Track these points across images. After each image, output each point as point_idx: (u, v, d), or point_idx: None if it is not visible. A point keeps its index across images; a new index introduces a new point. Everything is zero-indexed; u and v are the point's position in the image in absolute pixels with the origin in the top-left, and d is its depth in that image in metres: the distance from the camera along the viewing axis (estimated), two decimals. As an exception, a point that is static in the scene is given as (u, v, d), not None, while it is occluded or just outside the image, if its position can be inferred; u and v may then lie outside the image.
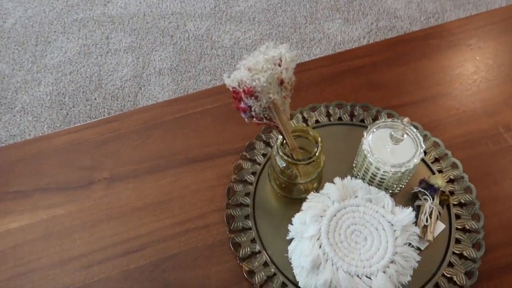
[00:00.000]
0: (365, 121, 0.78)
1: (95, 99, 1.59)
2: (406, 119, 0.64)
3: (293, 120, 0.78)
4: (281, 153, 0.60)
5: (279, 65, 0.53)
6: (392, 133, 0.61)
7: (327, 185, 0.64)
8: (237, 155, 0.75)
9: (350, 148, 0.74)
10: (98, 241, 0.67)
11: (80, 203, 0.71)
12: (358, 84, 0.83)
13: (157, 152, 0.76)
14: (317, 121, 0.78)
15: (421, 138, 0.63)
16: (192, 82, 1.61)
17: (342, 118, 0.78)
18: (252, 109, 0.53)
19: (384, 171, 0.62)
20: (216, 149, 0.76)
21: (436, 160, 0.73)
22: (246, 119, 0.55)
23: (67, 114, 1.55)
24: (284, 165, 0.62)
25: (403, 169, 0.61)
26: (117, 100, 1.58)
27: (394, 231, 0.60)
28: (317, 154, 0.60)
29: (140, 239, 0.67)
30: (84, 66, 1.68)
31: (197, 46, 1.70)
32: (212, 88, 0.86)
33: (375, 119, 0.78)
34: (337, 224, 0.61)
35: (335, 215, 0.61)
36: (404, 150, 0.63)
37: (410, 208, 0.61)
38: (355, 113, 0.79)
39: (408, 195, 0.69)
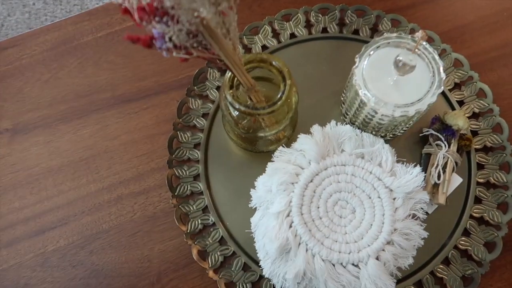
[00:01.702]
0: (360, 33, 0.55)
1: (34, 4, 1.30)
2: (419, 33, 0.42)
3: (260, 35, 0.56)
4: (230, 99, 0.40)
5: (207, -45, 0.30)
6: (400, 57, 0.40)
7: (302, 137, 0.45)
8: (182, 90, 0.54)
9: (338, 74, 0.53)
10: (3, 218, 0.51)
11: (-25, 166, 0.53)
12: (352, -25, 0.59)
13: (74, 89, 0.56)
14: (292, 35, 0.56)
15: (440, 63, 0.42)
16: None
17: (328, 28, 0.56)
18: (167, 37, 0.32)
19: (383, 115, 0.43)
20: (154, 82, 0.55)
21: (457, 86, 0.53)
22: (163, 54, 0.34)
23: (2, 25, 1.28)
24: (238, 113, 0.43)
25: (411, 112, 0.42)
26: (60, 5, 1.29)
27: (394, 199, 0.43)
28: (283, 97, 0.40)
29: (57, 212, 0.51)
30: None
31: None
32: (147, -9, 0.61)
33: (374, 28, 0.55)
34: (314, 193, 0.43)
35: (311, 181, 0.44)
36: (414, 82, 0.43)
37: (418, 168, 0.43)
38: (346, 21, 0.56)
39: (414, 138, 0.51)
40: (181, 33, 0.32)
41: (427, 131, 0.49)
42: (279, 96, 0.40)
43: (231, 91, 0.40)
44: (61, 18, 1.25)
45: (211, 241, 0.48)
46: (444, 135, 0.48)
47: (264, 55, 0.41)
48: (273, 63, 0.41)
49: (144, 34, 0.32)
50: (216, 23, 0.33)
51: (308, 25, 0.56)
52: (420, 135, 0.50)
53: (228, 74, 0.41)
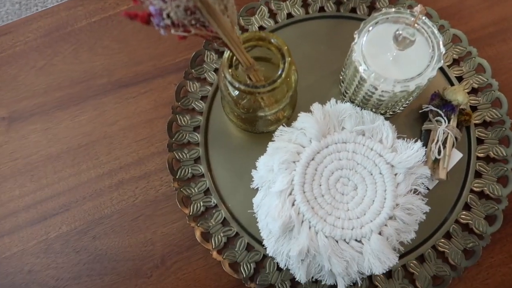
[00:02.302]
0: (358, 11, 0.55)
1: (24, -6, 1.27)
2: (418, 7, 0.42)
3: (256, 15, 0.55)
4: (229, 79, 0.40)
5: None
6: (399, 31, 0.40)
7: (302, 115, 0.45)
8: (180, 73, 0.54)
9: (336, 53, 0.53)
10: (4, 206, 0.51)
11: (-27, 155, 0.53)
12: (348, -48, 0.58)
13: (69, 76, 0.55)
14: (289, 15, 0.55)
15: (440, 37, 0.42)
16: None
17: (325, 7, 0.55)
18: (165, 14, 0.31)
19: (383, 91, 0.43)
20: (151, 66, 0.55)
21: (455, 61, 0.53)
22: (161, 32, 0.33)
23: (-8, 16, 1.25)
24: (238, 93, 0.42)
25: (411, 87, 0.41)
26: (51, -6, 1.27)
27: (395, 175, 0.43)
28: (283, 74, 0.40)
29: (59, 198, 0.51)
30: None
31: None
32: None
33: (372, 5, 0.55)
34: (316, 171, 0.44)
35: (313, 159, 0.44)
36: (414, 56, 0.42)
37: (419, 143, 0.43)
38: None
39: (413, 114, 0.51)
40: (178, 10, 0.31)
41: (427, 107, 0.49)
42: (278, 73, 0.40)
43: (230, 70, 0.40)
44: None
45: (213, 223, 0.48)
46: (443, 110, 0.48)
47: (263, 33, 0.41)
48: (272, 41, 0.40)
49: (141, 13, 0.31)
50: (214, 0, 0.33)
51: (305, 4, 0.55)
52: (420, 111, 0.50)
53: (227, 53, 0.40)
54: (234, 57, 0.40)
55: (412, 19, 0.43)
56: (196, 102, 0.52)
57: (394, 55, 0.42)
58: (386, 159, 0.43)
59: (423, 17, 0.43)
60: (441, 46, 0.42)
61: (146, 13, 0.30)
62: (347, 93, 0.50)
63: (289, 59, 0.40)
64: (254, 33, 0.41)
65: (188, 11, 0.32)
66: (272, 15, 0.55)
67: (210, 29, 0.36)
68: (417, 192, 0.43)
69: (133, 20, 0.30)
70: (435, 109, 0.48)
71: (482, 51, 0.53)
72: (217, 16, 0.34)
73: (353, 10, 0.55)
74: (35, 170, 0.52)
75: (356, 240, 0.42)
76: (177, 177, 0.50)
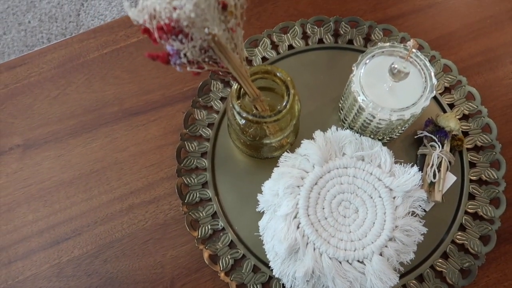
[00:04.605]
0: (354, 42, 0.58)
1: (29, 22, 1.32)
2: (411, 42, 0.45)
3: (259, 47, 0.59)
4: (238, 109, 0.43)
5: (218, -22, 0.33)
6: (395, 65, 0.43)
7: (305, 142, 0.48)
8: (188, 102, 0.57)
9: (335, 82, 0.56)
10: (18, 231, 0.53)
11: (-12, 181, 0.55)
12: (344, -11, 0.62)
13: (82, 105, 0.58)
14: (290, 47, 0.59)
15: (431, 69, 0.45)
16: (145, -8, 1.32)
17: (324, 39, 0.59)
18: (182, 54, 0.34)
19: (380, 119, 0.46)
20: (160, 95, 0.58)
21: (447, 90, 0.56)
22: (177, 68, 0.36)
23: (-2, 43, 1.29)
24: (245, 122, 0.45)
25: (407, 115, 0.44)
26: (56, 22, 1.31)
27: (394, 198, 0.46)
28: (288, 105, 0.43)
29: (71, 223, 0.53)
30: (8, -20, 1.36)
31: None
32: (149, 8, 0.64)
33: (367, 38, 0.59)
34: (319, 195, 0.46)
35: (316, 184, 0.46)
36: (408, 87, 0.46)
37: (415, 168, 0.46)
38: (341, 32, 0.59)
39: (409, 140, 0.54)
40: (194, 49, 0.34)
41: (421, 133, 0.52)
42: (283, 104, 0.43)
43: (239, 101, 0.43)
44: (57, 35, 1.28)
45: (221, 245, 0.50)
46: (437, 136, 0.51)
47: (268, 67, 0.44)
48: (278, 74, 0.43)
49: (150, 49, 0.34)
50: (225, 39, 0.36)
51: (305, 36, 0.59)
52: (415, 137, 0.53)
53: (235, 86, 0.43)
54: (242, 89, 0.43)
55: (406, 52, 0.46)
56: (203, 129, 0.55)
57: (390, 86, 0.46)
58: (385, 183, 0.46)
59: (416, 51, 0.46)
60: (433, 77, 0.45)
61: (165, 53, 0.33)
62: (346, 120, 0.53)
63: (293, 91, 0.43)
64: (260, 67, 0.44)
65: (202, 50, 0.36)
66: (274, 46, 0.59)
67: (221, 65, 0.39)
68: (414, 214, 0.46)
69: (154, 60, 0.32)
70: (430, 135, 0.51)
71: (471, 80, 0.56)
72: (228, 54, 0.37)
73: (350, 41, 0.58)
74: (48, 196, 0.54)
75: (358, 261, 0.44)
76: (185, 201, 0.52)
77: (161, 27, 0.31)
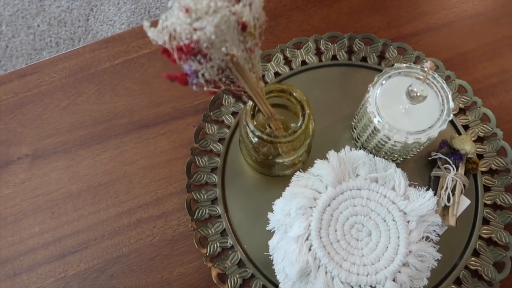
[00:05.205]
0: (368, 60, 0.58)
1: (38, 25, 1.32)
2: (428, 64, 0.45)
3: (272, 62, 0.58)
4: (252, 128, 0.42)
5: (238, 0, 0.33)
6: (413, 88, 0.43)
7: (319, 162, 0.47)
8: (199, 116, 0.56)
9: (348, 99, 0.56)
10: (24, 242, 0.52)
11: (-5, 191, 0.54)
12: (358, 5, 0.62)
13: (92, 115, 0.57)
14: (303, 62, 0.58)
15: (449, 92, 0.45)
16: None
17: (338, 56, 0.58)
18: (200, 74, 0.34)
19: (396, 141, 0.45)
20: (171, 108, 0.57)
21: (461, 111, 0.55)
22: (193, 88, 0.36)
23: (7, 46, 1.29)
24: (257, 140, 0.45)
25: (423, 139, 0.44)
26: (65, 26, 1.31)
27: (408, 222, 0.45)
28: (303, 125, 0.42)
29: (78, 236, 0.52)
30: (19, -17, 1.37)
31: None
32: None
33: (381, 56, 0.58)
34: (331, 217, 0.45)
35: (329, 205, 0.45)
36: (425, 109, 0.45)
37: (430, 192, 0.45)
38: (355, 49, 0.58)
39: (422, 160, 0.53)
40: (212, 69, 0.34)
41: (436, 154, 0.51)
42: (299, 125, 0.42)
43: (253, 120, 0.42)
44: (65, 40, 1.28)
45: (230, 264, 0.49)
46: (452, 158, 0.50)
47: (284, 86, 0.43)
48: (294, 94, 0.43)
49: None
50: (244, 59, 0.36)
51: (318, 52, 0.59)
52: (429, 158, 0.52)
53: (250, 104, 0.43)
54: (256, 107, 0.43)
55: (423, 73, 0.46)
56: (214, 144, 0.54)
57: (406, 108, 0.45)
58: (399, 207, 0.45)
59: (433, 72, 0.45)
60: (450, 100, 0.45)
61: (183, 74, 0.33)
62: (359, 139, 0.52)
63: (309, 111, 0.42)
64: (276, 86, 0.44)
65: (219, 70, 0.35)
66: (287, 62, 0.58)
67: (238, 84, 0.38)
68: (428, 239, 0.45)
69: (173, 81, 0.32)
70: (444, 157, 0.50)
71: (486, 101, 0.55)
72: (245, 74, 0.37)
73: (364, 59, 0.58)
74: (55, 207, 0.53)
75: (371, 286, 0.43)
76: (194, 217, 0.51)
77: (181, 47, 0.31)
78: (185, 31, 0.30)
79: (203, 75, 0.34)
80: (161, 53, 0.31)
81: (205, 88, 0.35)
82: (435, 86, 0.45)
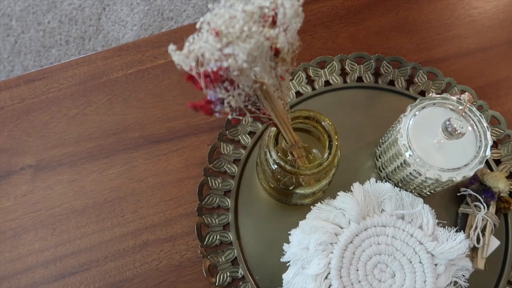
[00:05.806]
0: (396, 84, 0.55)
1: (49, 22, 1.29)
2: (466, 96, 0.42)
3: (294, 81, 0.55)
4: (275, 157, 0.39)
5: (273, 22, 0.30)
6: (452, 123, 0.39)
7: (342, 195, 0.44)
8: (213, 133, 0.53)
9: (372, 124, 0.52)
10: (22, 259, 0.49)
11: (-5, 202, 0.51)
12: (387, 25, 0.58)
13: (101, 127, 0.54)
14: (327, 83, 0.55)
15: (487, 127, 0.42)
16: (169, 1, 1.30)
17: (363, 78, 0.55)
18: (226, 102, 0.31)
19: (427, 177, 0.42)
20: (185, 123, 0.54)
21: (493, 144, 0.52)
22: (216, 115, 0.33)
23: (15, 42, 1.27)
24: (278, 167, 0.41)
25: (458, 177, 0.41)
26: (76, 24, 1.29)
27: (436, 265, 0.41)
28: (330, 157, 0.39)
29: (79, 256, 0.49)
30: (32, -22, 1.34)
31: (173, -48, 1.36)
32: (179, 29, 0.61)
33: (410, 80, 0.55)
34: (353, 255, 0.42)
35: (351, 242, 0.42)
36: (459, 144, 0.42)
37: (462, 235, 0.42)
38: (382, 71, 0.55)
39: (450, 195, 0.50)
40: (239, 97, 0.31)
41: (465, 190, 0.48)
42: (325, 157, 0.39)
43: (276, 148, 0.39)
44: (75, 38, 1.25)
45: (240, 296, 0.46)
46: (483, 196, 0.47)
47: (312, 113, 0.40)
48: (323, 123, 0.40)
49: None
50: (273, 87, 0.33)
51: (343, 73, 0.55)
52: (458, 194, 0.49)
53: (273, 130, 0.40)
54: (280, 134, 0.39)
55: (458, 106, 0.43)
56: (228, 165, 0.51)
57: (440, 142, 0.42)
58: (427, 248, 0.42)
59: (470, 105, 0.42)
60: (488, 136, 0.41)
61: (207, 102, 0.30)
62: (383, 169, 0.49)
63: (337, 143, 0.39)
64: (302, 112, 0.40)
65: (246, 97, 0.32)
66: (310, 81, 0.55)
67: (263, 111, 0.35)
68: (457, 285, 0.42)
69: (197, 111, 0.29)
70: (474, 194, 0.47)
71: (521, 135, 0.52)
72: (274, 101, 0.34)
73: (391, 82, 0.55)
74: (57, 224, 0.50)
75: (393, 333, 0.40)
76: (204, 243, 0.48)
77: (209, 75, 0.28)
78: (214, 57, 0.27)
79: (228, 103, 0.31)
80: (186, 80, 0.28)
81: (229, 116, 0.32)
82: (472, 119, 0.42)
